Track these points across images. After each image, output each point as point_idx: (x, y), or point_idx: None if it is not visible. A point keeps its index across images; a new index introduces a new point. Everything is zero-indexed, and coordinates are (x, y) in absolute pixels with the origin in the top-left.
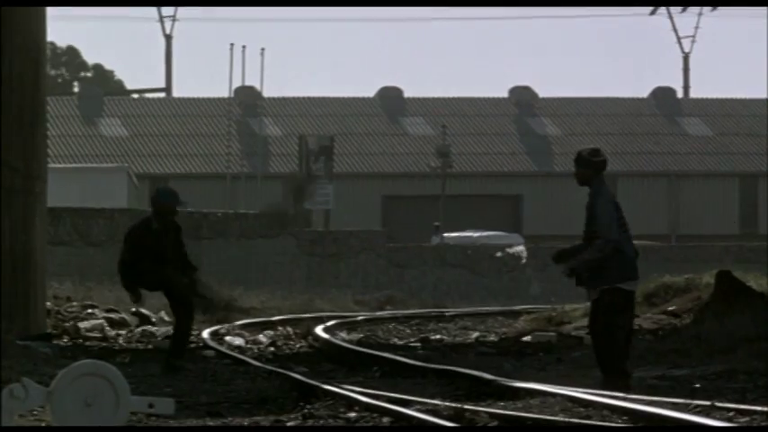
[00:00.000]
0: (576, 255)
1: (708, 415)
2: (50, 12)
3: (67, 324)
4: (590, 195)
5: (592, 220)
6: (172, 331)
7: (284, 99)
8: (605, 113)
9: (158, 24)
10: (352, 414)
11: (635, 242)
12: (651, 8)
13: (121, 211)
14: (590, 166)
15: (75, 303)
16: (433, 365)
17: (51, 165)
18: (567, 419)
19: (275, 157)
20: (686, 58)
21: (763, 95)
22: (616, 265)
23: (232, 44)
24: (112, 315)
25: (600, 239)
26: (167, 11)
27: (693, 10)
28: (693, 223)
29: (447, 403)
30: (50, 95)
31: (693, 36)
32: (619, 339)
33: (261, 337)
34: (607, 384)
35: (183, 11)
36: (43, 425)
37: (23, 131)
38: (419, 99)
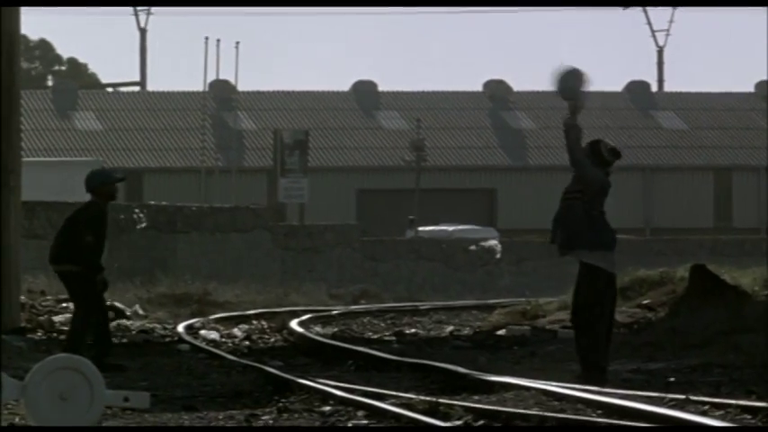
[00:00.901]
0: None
1: (682, 408)
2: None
3: (42, 318)
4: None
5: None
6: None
7: (259, 93)
8: None
9: (133, 18)
10: (327, 408)
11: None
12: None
13: None
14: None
15: (49, 297)
16: (407, 359)
17: (25, 158)
18: (541, 413)
19: (250, 150)
20: (660, 51)
21: (737, 89)
22: (591, 228)
23: (207, 38)
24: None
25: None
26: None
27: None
28: (668, 217)
29: (422, 397)
30: (24, 89)
31: (668, 30)
32: (599, 333)
33: (236, 331)
34: (583, 379)
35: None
36: (17, 419)
37: None
38: (394, 93)
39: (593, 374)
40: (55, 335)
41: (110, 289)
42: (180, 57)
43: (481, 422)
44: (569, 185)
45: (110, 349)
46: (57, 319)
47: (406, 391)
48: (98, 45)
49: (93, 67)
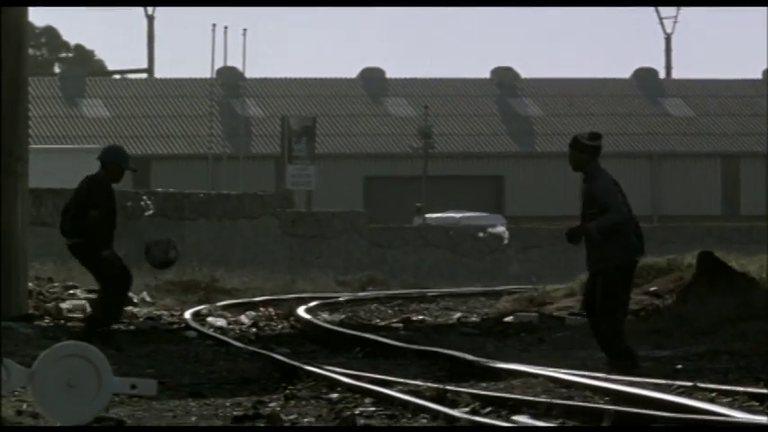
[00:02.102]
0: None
1: (690, 396)
2: None
3: (49, 305)
4: (587, 180)
5: (592, 202)
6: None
7: (266, 80)
8: (587, 94)
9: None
10: (334, 395)
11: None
12: None
13: None
14: (585, 151)
15: (56, 284)
16: (414, 346)
17: (33, 145)
18: (548, 400)
19: (257, 137)
20: (668, 38)
21: (745, 76)
22: (618, 243)
23: (214, 25)
24: (94, 296)
25: (612, 210)
26: None
27: None
28: (675, 204)
29: (429, 384)
30: (32, 76)
31: (675, 17)
32: (619, 319)
33: (243, 318)
34: (614, 367)
35: None
36: (25, 406)
37: (4, 112)
38: (401, 80)
39: (622, 361)
40: (62, 322)
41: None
42: (187, 44)
43: (488, 409)
44: (585, 211)
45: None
46: (64, 306)
47: (413, 378)
48: (105, 32)
49: (99, 54)
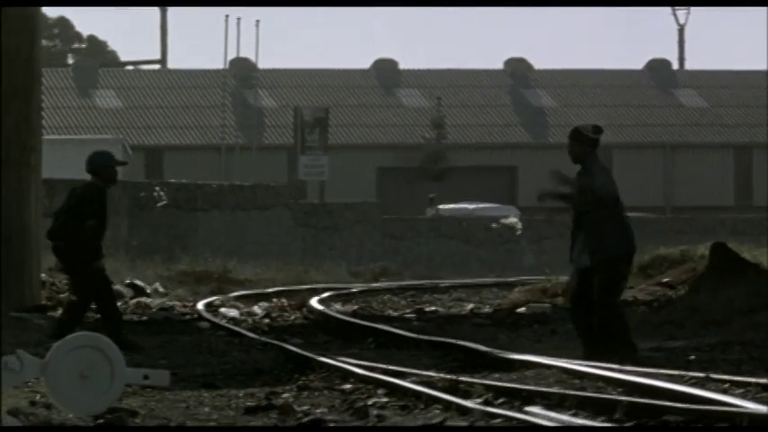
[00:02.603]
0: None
1: (703, 387)
2: None
3: (62, 296)
4: (585, 172)
5: (587, 194)
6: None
7: (279, 71)
8: (600, 85)
9: None
10: (347, 386)
11: (630, 214)
12: None
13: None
14: (588, 143)
15: None
16: (427, 337)
17: (46, 136)
18: (561, 391)
19: (270, 128)
20: (681, 29)
21: (758, 67)
22: (618, 234)
23: (227, 15)
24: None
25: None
26: None
27: None
28: (688, 195)
29: (442, 375)
30: (45, 67)
31: (688, 8)
32: (621, 313)
33: (256, 309)
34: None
35: None
36: (38, 397)
37: (18, 103)
38: (414, 71)
39: (627, 350)
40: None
41: (131, 266)
42: (200, 35)
43: (501, 400)
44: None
45: (120, 325)
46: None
47: (426, 369)
48: (118, 23)
49: (112, 45)
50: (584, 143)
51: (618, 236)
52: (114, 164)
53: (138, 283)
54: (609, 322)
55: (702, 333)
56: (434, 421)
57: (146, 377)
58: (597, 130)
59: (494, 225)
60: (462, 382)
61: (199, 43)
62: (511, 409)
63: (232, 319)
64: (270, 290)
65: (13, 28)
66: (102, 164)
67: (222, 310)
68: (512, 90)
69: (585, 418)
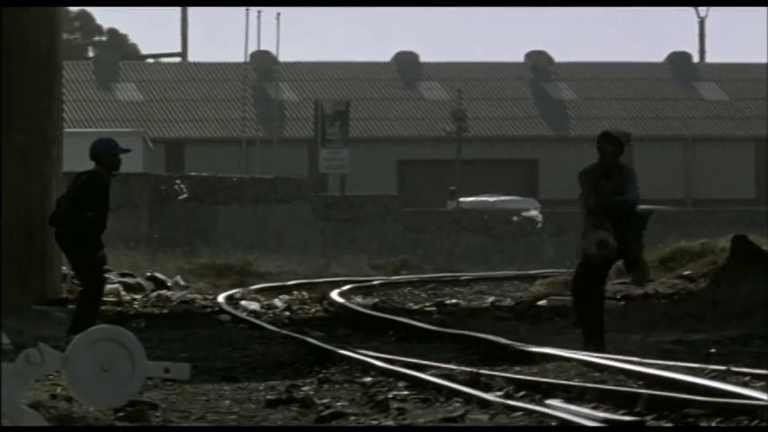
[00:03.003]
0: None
1: (723, 380)
2: None
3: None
4: (617, 178)
5: (618, 192)
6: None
7: (300, 64)
8: (621, 78)
9: None
10: (368, 379)
11: (650, 207)
12: None
13: (137, 175)
14: (621, 149)
15: None
16: (448, 330)
17: (67, 129)
18: (582, 384)
19: (290, 121)
20: (702, 22)
21: None
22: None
23: (248, 8)
24: (128, 279)
25: (639, 209)
26: None
27: None
28: (709, 188)
29: (463, 368)
30: (66, 60)
31: (707, 7)
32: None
33: (276, 302)
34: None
35: None
36: (59, 390)
37: (39, 96)
38: (435, 64)
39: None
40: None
41: (152, 259)
42: (221, 27)
43: (522, 393)
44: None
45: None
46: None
47: (447, 362)
48: (139, 16)
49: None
50: (622, 152)
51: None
52: (117, 152)
53: (159, 276)
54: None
55: (723, 326)
56: (455, 414)
57: (166, 370)
58: (627, 137)
59: (515, 218)
60: (483, 374)
61: (219, 36)
62: (531, 402)
63: (253, 312)
64: (290, 283)
65: (33, 21)
66: (104, 152)
67: (243, 302)
68: (532, 83)
69: (606, 411)
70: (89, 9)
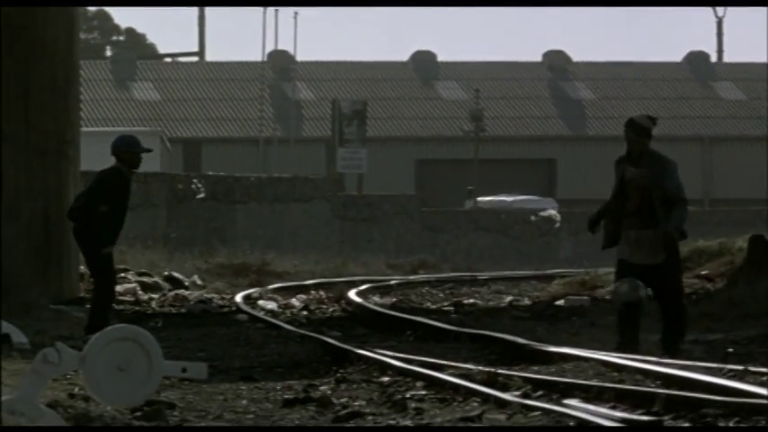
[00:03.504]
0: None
1: (741, 379)
2: None
3: None
4: (655, 164)
5: (658, 184)
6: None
7: (317, 63)
8: (639, 78)
9: None
10: (386, 378)
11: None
12: None
13: (154, 175)
14: (647, 135)
15: None
16: (466, 330)
17: (84, 128)
18: (600, 383)
19: (308, 121)
20: (720, 22)
21: None
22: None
23: (265, 8)
24: (145, 279)
25: (681, 202)
26: None
27: None
28: (726, 188)
29: (480, 367)
30: (83, 59)
31: (725, 7)
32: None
33: (294, 302)
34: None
35: None
36: (77, 389)
37: (56, 95)
38: (453, 63)
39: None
40: (113, 305)
41: (169, 258)
42: (238, 27)
43: (540, 392)
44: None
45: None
46: (115, 288)
47: (464, 362)
48: (156, 15)
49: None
50: (648, 136)
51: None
52: (139, 150)
53: (177, 275)
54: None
55: (740, 326)
56: (472, 414)
57: (184, 370)
58: (651, 119)
59: (532, 217)
60: (500, 374)
61: (237, 36)
62: (549, 401)
63: (270, 312)
64: (308, 282)
65: (50, 20)
66: (125, 148)
67: (260, 302)
68: (550, 82)
69: (624, 410)
70: (107, 9)
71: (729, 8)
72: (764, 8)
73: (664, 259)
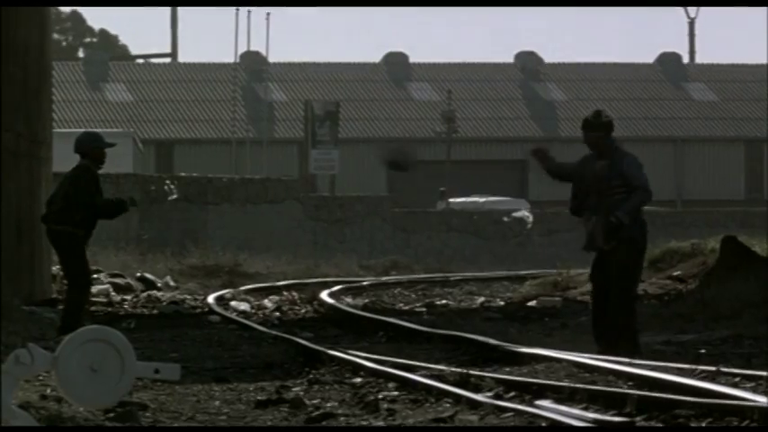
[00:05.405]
0: (555, 164)
1: (713, 380)
2: None
3: None
4: (610, 154)
5: (616, 177)
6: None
7: (290, 64)
8: (611, 79)
9: None
10: (358, 379)
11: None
12: None
13: (126, 176)
14: (600, 128)
15: None
16: (438, 331)
17: (57, 129)
18: (572, 384)
19: (280, 122)
20: (692, 23)
21: None
22: (644, 226)
23: (238, 9)
24: (118, 280)
25: (639, 190)
26: None
27: None
28: (699, 188)
29: (453, 369)
30: (56, 60)
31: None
32: (635, 308)
33: (266, 303)
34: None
35: None
36: (49, 390)
37: (28, 96)
38: (425, 65)
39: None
40: (86, 306)
41: (141, 260)
42: (211, 28)
43: (512, 393)
44: (607, 185)
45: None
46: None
47: (436, 363)
48: (129, 16)
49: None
50: (595, 129)
51: (644, 228)
52: (103, 144)
53: (149, 276)
54: (620, 311)
55: (713, 326)
56: (445, 415)
57: (156, 371)
58: (598, 114)
59: (504, 218)
60: (473, 375)
61: (209, 37)
62: (521, 402)
63: (243, 313)
64: (280, 283)
65: (23, 21)
66: (90, 144)
67: (233, 303)
68: (522, 84)
69: (596, 411)
70: (80, 10)
71: (702, 9)
72: (736, 9)
73: (612, 246)
